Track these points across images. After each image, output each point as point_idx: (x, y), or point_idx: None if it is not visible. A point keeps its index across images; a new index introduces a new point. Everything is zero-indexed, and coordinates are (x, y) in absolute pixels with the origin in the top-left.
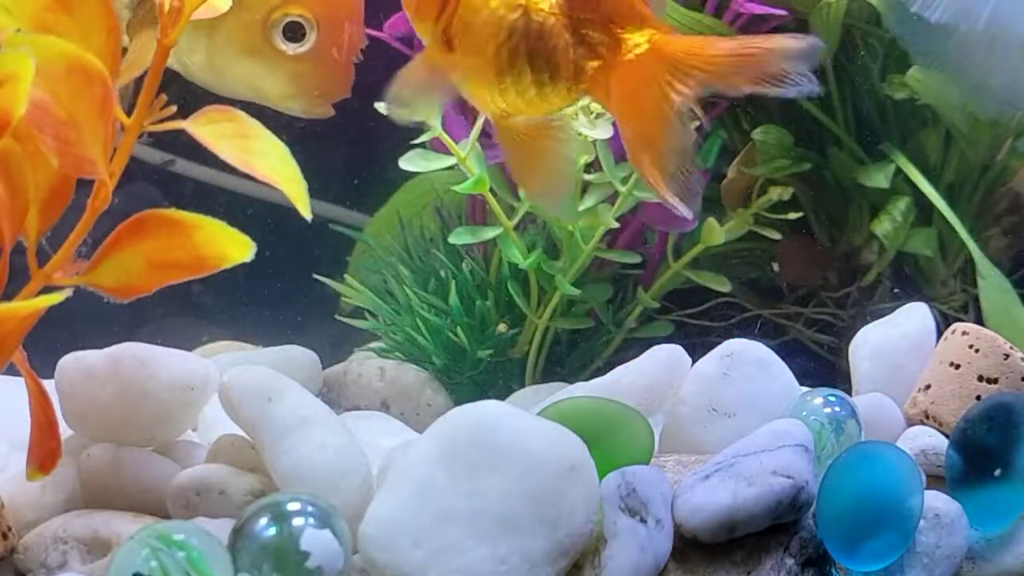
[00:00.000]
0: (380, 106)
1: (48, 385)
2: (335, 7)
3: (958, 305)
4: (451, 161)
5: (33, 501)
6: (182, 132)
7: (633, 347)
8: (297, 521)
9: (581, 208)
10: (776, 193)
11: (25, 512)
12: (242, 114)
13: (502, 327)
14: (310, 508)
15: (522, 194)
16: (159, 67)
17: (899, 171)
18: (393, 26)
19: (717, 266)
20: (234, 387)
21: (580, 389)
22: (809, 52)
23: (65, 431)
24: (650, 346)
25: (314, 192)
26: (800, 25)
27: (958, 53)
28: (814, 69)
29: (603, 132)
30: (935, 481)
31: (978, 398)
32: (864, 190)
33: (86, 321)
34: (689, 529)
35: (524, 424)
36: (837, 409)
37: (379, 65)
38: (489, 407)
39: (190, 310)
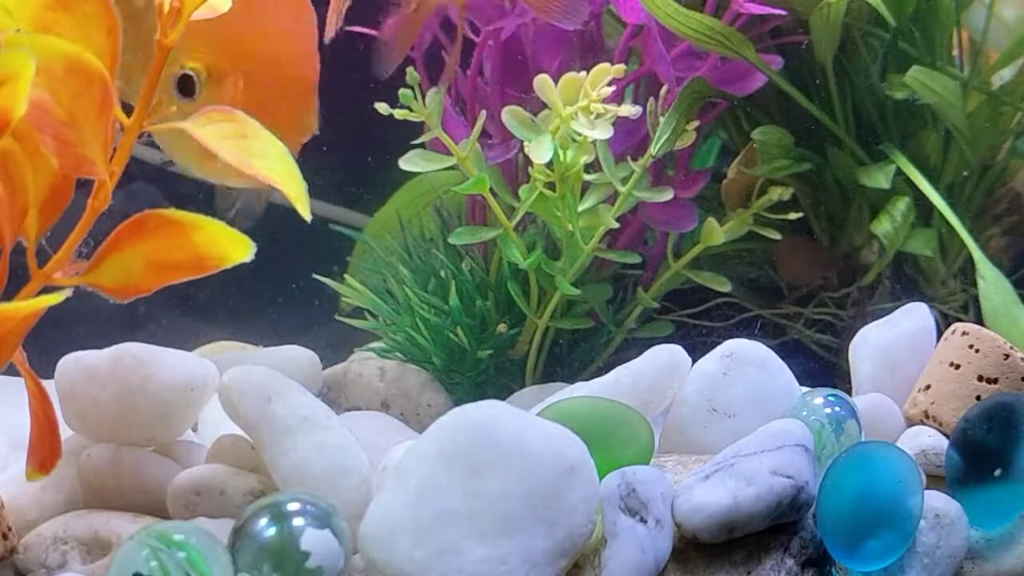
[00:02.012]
0: (380, 106)
1: (48, 385)
2: (242, 59)
3: (958, 305)
4: (451, 161)
5: (33, 501)
6: None
7: (633, 347)
8: (297, 521)
9: (581, 208)
10: (776, 193)
11: (25, 512)
12: (242, 114)
13: (502, 327)
14: (310, 508)
15: (522, 194)
16: (159, 67)
17: (899, 171)
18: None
19: (717, 266)
20: (234, 387)
21: (580, 389)
22: None
23: (65, 431)
24: (650, 346)
25: (314, 192)
26: (800, 25)
27: None
28: None
29: (603, 132)
30: (935, 481)
31: (978, 398)
32: (864, 190)
33: (86, 321)
34: (689, 529)
35: (524, 424)
36: (837, 409)
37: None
38: (489, 407)
39: (190, 310)
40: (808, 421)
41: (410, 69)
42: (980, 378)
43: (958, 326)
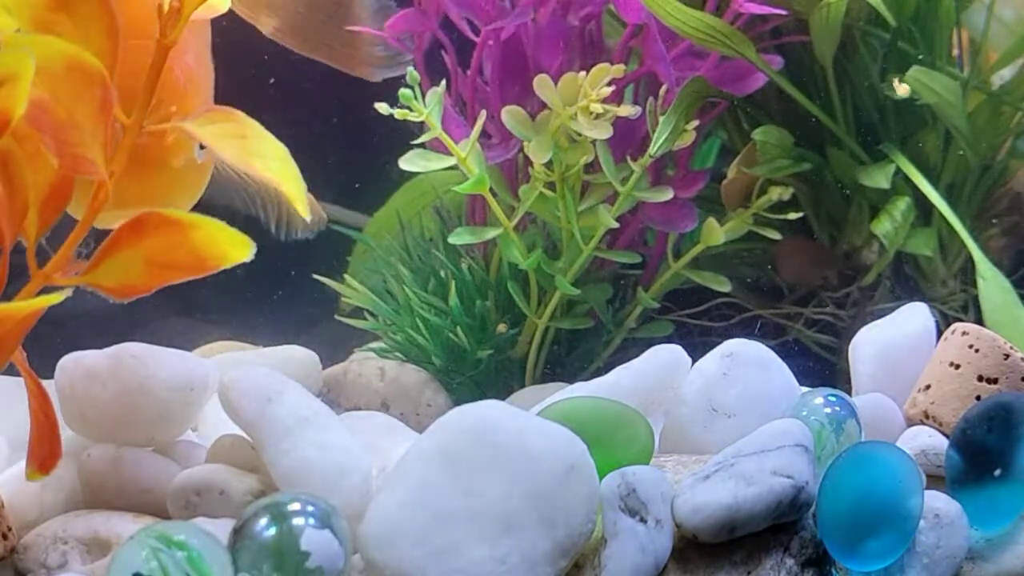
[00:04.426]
0: (380, 106)
1: (48, 385)
2: None
3: (958, 305)
4: (451, 161)
5: (33, 501)
6: None
7: (633, 347)
8: (297, 521)
9: (581, 208)
10: (776, 193)
11: (25, 512)
12: (242, 115)
13: (502, 327)
14: (310, 508)
15: (522, 194)
16: (159, 67)
17: (899, 171)
18: (393, 26)
19: (717, 266)
20: (234, 387)
21: (580, 389)
22: None
23: (65, 431)
24: (650, 346)
25: (314, 192)
26: (800, 25)
27: None
28: None
29: (602, 132)
30: (935, 481)
31: (978, 398)
32: (864, 190)
33: (86, 321)
34: (689, 529)
35: (524, 424)
36: (837, 409)
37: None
38: (489, 407)
39: (190, 310)
40: (808, 421)
41: (410, 69)
42: (980, 378)
43: (958, 326)
